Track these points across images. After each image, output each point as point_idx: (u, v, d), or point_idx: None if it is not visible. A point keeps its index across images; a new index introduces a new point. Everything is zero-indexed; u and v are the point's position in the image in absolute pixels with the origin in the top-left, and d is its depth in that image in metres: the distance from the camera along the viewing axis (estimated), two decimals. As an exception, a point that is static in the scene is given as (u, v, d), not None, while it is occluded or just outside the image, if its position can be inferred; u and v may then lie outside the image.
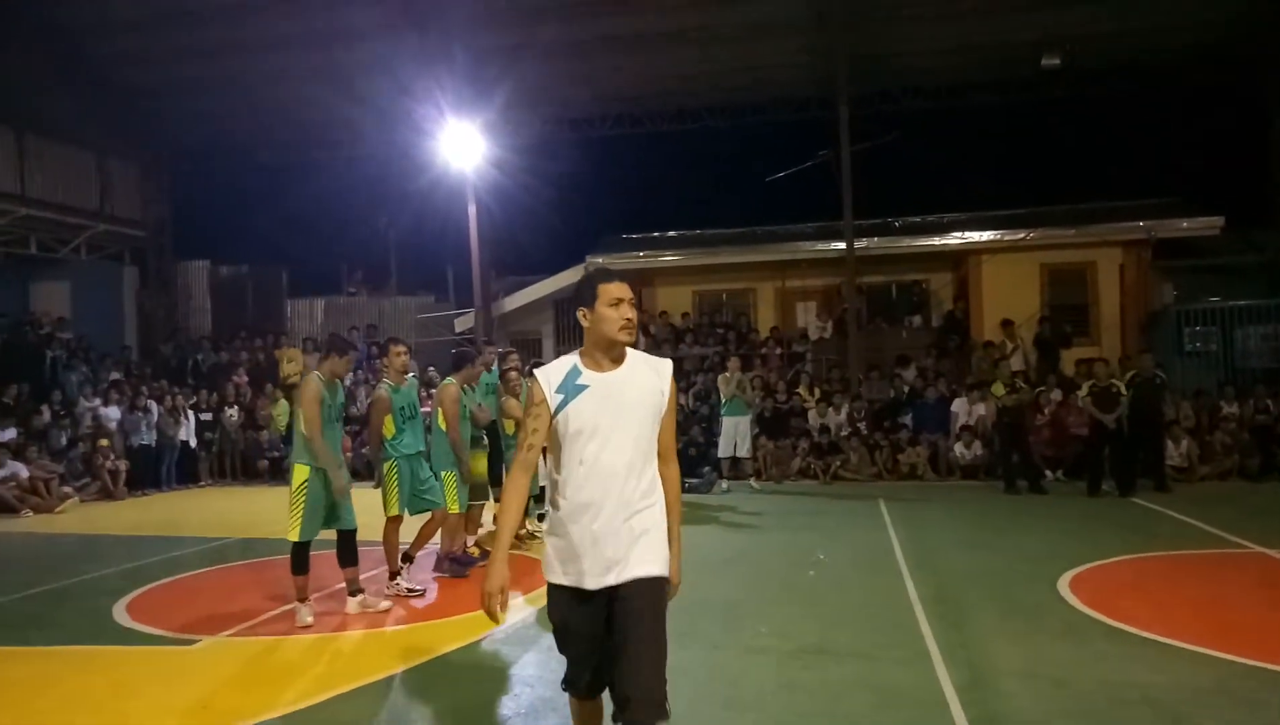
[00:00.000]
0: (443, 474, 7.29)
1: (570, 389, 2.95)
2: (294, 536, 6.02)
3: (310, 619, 6.06)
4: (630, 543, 2.93)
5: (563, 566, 2.98)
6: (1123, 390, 11.35)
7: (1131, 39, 16.03)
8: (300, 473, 6.01)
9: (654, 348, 17.65)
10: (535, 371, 3.03)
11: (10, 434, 13.27)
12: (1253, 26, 15.61)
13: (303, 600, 6.14)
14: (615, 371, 2.99)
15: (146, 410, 14.56)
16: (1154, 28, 15.65)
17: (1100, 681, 4.59)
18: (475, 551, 8.06)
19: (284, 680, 5.06)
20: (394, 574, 6.84)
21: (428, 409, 7.80)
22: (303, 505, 5.99)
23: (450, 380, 7.51)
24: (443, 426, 7.31)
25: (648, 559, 2.95)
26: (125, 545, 9.67)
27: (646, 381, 3.01)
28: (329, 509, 6.10)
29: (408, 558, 7.09)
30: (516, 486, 3.03)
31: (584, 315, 3.01)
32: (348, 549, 6.28)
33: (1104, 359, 12.66)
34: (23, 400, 14.55)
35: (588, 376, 2.96)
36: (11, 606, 7.04)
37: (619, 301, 2.97)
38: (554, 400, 2.94)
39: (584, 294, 3.02)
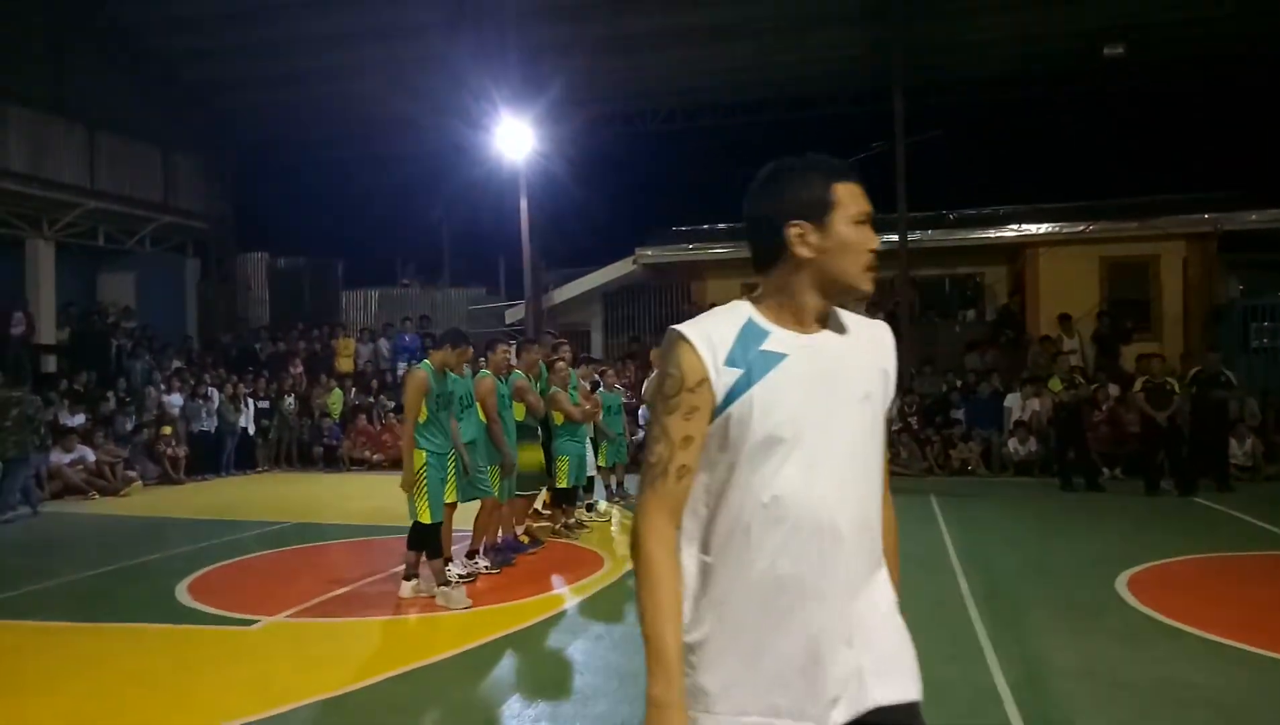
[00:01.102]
0: (486, 467, 7.37)
1: (754, 360, 1.66)
2: (425, 518, 6.17)
3: (469, 600, 6.16)
4: (864, 640, 1.70)
5: (743, 698, 1.64)
6: (1177, 388, 11.07)
7: (1197, 27, 15.56)
8: (419, 457, 6.16)
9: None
10: (681, 328, 1.70)
11: (79, 419, 13.73)
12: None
13: (448, 584, 6.25)
14: (825, 334, 1.73)
15: (207, 398, 14.97)
16: (1220, 16, 15.16)
17: (1159, 682, 4.48)
18: (526, 539, 8.14)
19: (341, 661, 5.17)
20: (447, 560, 6.93)
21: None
22: (425, 487, 6.14)
23: (486, 372, 7.52)
24: (483, 418, 7.34)
25: (899, 669, 1.77)
26: (187, 528, 9.96)
27: (870, 356, 1.77)
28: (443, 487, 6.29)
29: (472, 553, 7.18)
30: (662, 542, 1.65)
31: (801, 235, 1.69)
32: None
33: (1160, 355, 12.34)
34: (90, 387, 15.05)
35: (782, 339, 1.69)
36: (80, 584, 7.30)
37: (867, 218, 1.73)
38: (724, 379, 1.64)
39: (802, 196, 1.71)
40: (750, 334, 1.69)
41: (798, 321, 1.72)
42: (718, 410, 1.66)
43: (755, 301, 1.76)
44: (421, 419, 6.18)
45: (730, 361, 1.66)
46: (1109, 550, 7.70)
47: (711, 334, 1.68)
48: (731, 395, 1.65)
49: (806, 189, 1.72)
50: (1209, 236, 16.02)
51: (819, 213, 1.70)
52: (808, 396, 1.66)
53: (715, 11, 15.80)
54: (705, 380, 1.65)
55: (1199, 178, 17.10)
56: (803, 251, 1.70)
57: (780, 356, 1.67)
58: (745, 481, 1.65)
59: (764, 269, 1.76)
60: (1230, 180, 16.66)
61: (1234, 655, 4.88)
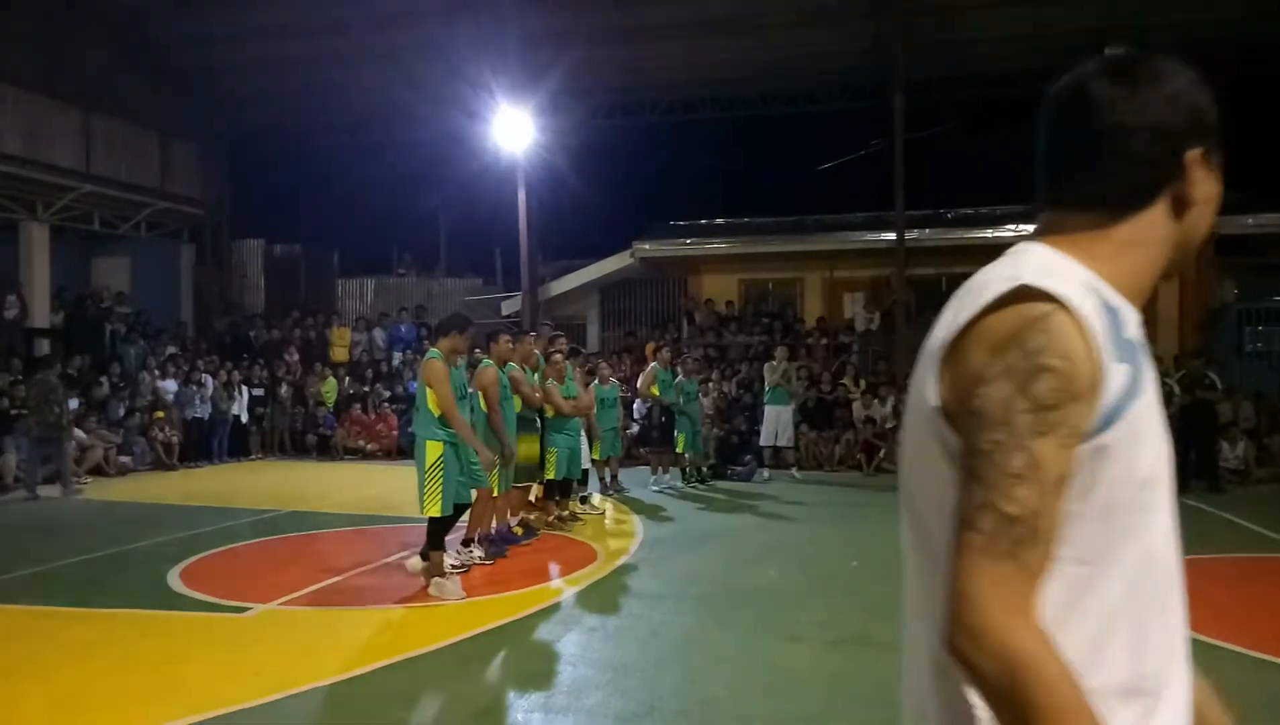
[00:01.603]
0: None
1: (1132, 353, 1.09)
2: (435, 511, 6.17)
3: (463, 593, 6.18)
4: None
5: None
6: (1176, 389, 11.12)
7: (1199, 29, 15.56)
8: (434, 449, 6.14)
9: (698, 336, 17.66)
10: (1048, 287, 1.05)
11: (73, 404, 13.67)
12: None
13: (443, 575, 6.26)
14: None
15: (201, 384, 14.93)
16: (1227, 18, 15.19)
17: (1149, 683, 4.50)
18: (519, 531, 8.14)
19: (333, 650, 5.17)
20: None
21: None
22: (440, 480, 6.13)
23: (488, 362, 7.54)
24: (484, 408, 7.37)
25: None
26: (179, 514, 9.92)
27: None
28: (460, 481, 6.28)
29: (467, 542, 7.20)
30: (1047, 643, 0.99)
31: (1201, 167, 1.17)
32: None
33: (1158, 356, 12.36)
34: (84, 372, 14.99)
35: (1134, 322, 1.14)
36: (73, 570, 7.28)
37: None
38: (1113, 383, 1.04)
39: (1204, 115, 1.17)
40: (1113, 317, 1.08)
41: (1141, 296, 1.16)
42: (1091, 432, 1.03)
43: (1078, 256, 1.13)
44: (436, 411, 6.16)
45: (1118, 354, 1.05)
46: (1100, 550, 7.72)
47: (1087, 303, 1.05)
48: (1116, 410, 1.04)
49: (1207, 107, 1.17)
50: (1206, 240, 16.04)
51: (1215, 143, 1.18)
52: (1160, 411, 1.12)
53: (717, 4, 15.74)
54: (1097, 383, 1.03)
55: (1196, 181, 17.09)
56: (1194, 192, 1.16)
57: (1140, 348, 1.11)
58: (1113, 549, 1.07)
59: (1114, 208, 1.15)
60: (1227, 184, 16.58)
61: (1224, 656, 4.90)
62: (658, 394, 11.79)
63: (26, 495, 11.07)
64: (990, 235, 17.24)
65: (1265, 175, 16.51)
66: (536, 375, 8.44)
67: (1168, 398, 10.95)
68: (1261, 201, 15.97)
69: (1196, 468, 11.24)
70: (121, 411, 14.34)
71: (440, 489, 6.13)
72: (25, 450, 11.54)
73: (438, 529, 6.24)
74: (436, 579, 6.22)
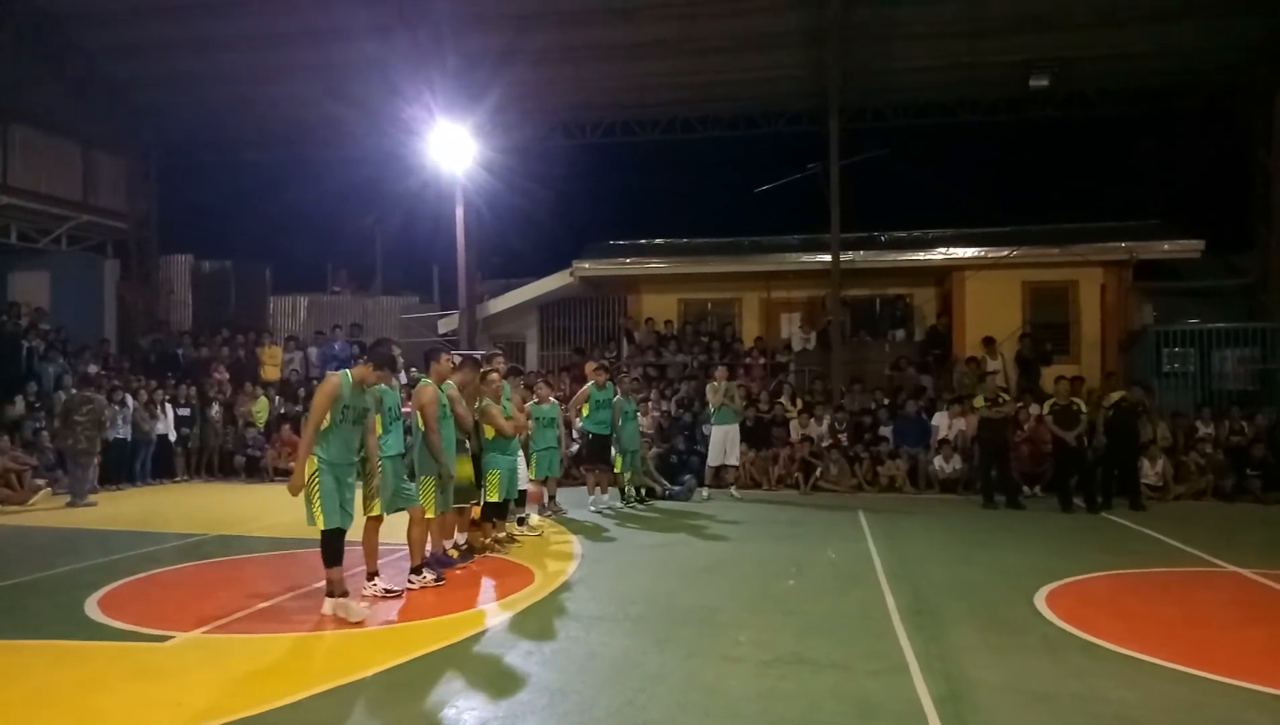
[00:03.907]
0: (420, 479, 7.30)
1: None
2: (321, 523, 6.03)
3: (362, 615, 6.04)
4: None
5: None
6: (1083, 408, 11.52)
7: (1120, 64, 16.23)
8: (310, 464, 6.03)
9: (638, 355, 17.68)
10: None
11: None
12: (1238, 57, 15.87)
13: (334, 595, 6.11)
14: None
15: (122, 404, 14.40)
16: (1143, 54, 15.88)
17: (1076, 697, 4.61)
18: (455, 554, 8.02)
19: (259, 678, 5.01)
20: (372, 575, 6.79)
21: (409, 410, 7.74)
22: (318, 493, 6.00)
23: (427, 381, 7.45)
24: (421, 427, 7.27)
25: None
26: (98, 539, 9.55)
27: None
28: (341, 498, 6.11)
29: (418, 568, 7.07)
30: None
31: None
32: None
33: (1064, 377, 12.70)
34: (-5, 391, 14.38)
35: None
36: (-19, 598, 6.94)
37: None
38: None
39: None
40: None
41: None
42: None
43: None
44: (324, 426, 6.04)
45: None
46: (1029, 566, 7.91)
47: None
48: None
49: None
50: (1125, 264, 16.69)
51: None
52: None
53: (658, 27, 15.89)
54: None
55: (1117, 208, 17.81)
56: None
57: None
58: None
59: None
60: (1146, 211, 17.40)
61: (1148, 669, 5.04)
62: (585, 415, 11.75)
63: (71, 502, 12.15)
64: (922, 258, 17.70)
65: (1180, 204, 17.28)
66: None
67: (1076, 417, 11.36)
68: (1176, 229, 16.70)
69: (1119, 485, 11.64)
70: (37, 432, 13.76)
71: (320, 501, 6.00)
72: (72, 466, 12.50)
73: (329, 542, 6.10)
74: (335, 599, 6.08)
